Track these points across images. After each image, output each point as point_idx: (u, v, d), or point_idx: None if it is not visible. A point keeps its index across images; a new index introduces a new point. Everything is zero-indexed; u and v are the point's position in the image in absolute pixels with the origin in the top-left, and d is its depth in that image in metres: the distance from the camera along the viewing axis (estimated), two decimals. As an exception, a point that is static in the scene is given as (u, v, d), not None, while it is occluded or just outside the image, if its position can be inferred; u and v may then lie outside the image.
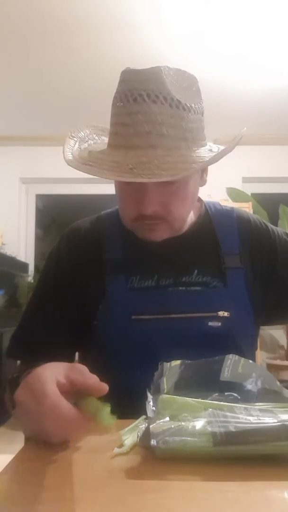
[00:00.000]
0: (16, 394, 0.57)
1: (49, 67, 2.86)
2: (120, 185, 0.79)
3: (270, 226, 0.94)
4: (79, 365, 0.59)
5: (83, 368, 0.58)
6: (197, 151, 0.74)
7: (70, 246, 0.91)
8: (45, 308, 0.88)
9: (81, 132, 0.84)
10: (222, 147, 0.77)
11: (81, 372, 0.57)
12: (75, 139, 0.82)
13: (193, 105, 0.73)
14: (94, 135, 0.86)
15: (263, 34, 2.51)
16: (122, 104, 0.72)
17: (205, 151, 0.75)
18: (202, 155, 0.73)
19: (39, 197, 4.15)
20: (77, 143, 0.81)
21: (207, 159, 0.72)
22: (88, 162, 0.73)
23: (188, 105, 0.72)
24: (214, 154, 0.73)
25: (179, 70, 0.76)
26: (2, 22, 2.41)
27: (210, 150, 0.77)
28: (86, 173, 0.71)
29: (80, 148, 0.80)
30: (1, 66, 2.85)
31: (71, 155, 0.77)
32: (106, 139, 0.83)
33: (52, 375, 0.55)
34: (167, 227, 0.80)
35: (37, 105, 3.35)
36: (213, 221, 0.91)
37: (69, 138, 0.81)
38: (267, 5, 2.27)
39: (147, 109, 0.70)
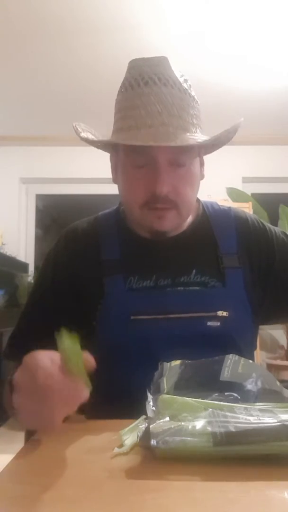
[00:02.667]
0: (14, 378, 0.56)
1: (49, 67, 2.86)
2: (129, 171, 0.80)
3: (268, 225, 0.94)
4: None
5: None
6: (202, 135, 0.77)
7: (68, 247, 0.91)
8: (42, 309, 0.88)
9: (82, 133, 0.85)
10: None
11: None
12: (82, 132, 0.84)
13: (195, 97, 0.75)
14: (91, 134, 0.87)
15: (263, 34, 2.51)
16: (131, 88, 0.75)
17: (205, 136, 0.78)
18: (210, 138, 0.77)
19: (39, 197, 4.15)
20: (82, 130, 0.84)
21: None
22: (103, 142, 0.77)
23: (193, 94, 0.76)
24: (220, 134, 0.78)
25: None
26: (2, 22, 2.42)
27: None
28: (109, 142, 0.76)
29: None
30: (1, 66, 2.85)
31: (88, 135, 0.81)
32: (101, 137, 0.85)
33: (46, 353, 0.56)
34: (175, 214, 0.81)
35: (37, 105, 3.35)
36: (211, 221, 0.91)
37: (78, 129, 0.83)
38: (267, 5, 2.27)
39: (158, 91, 0.73)
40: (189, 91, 0.77)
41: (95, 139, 0.83)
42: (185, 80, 0.78)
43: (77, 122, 0.84)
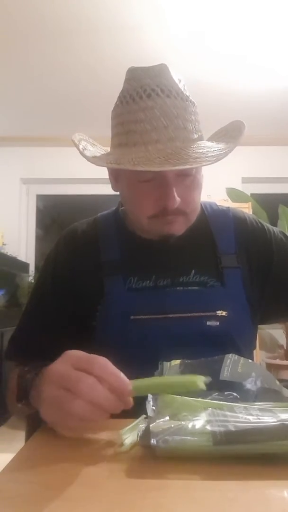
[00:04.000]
0: (48, 368, 0.56)
1: (49, 68, 2.86)
2: (136, 185, 0.79)
3: (266, 225, 0.94)
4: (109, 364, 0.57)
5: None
6: (206, 142, 0.76)
7: (68, 248, 0.91)
8: (43, 310, 0.88)
9: (81, 142, 0.83)
10: (220, 144, 0.78)
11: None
12: (80, 145, 0.82)
13: (193, 100, 0.75)
14: (88, 144, 0.86)
15: (263, 34, 2.52)
16: (133, 101, 0.73)
17: (210, 142, 0.77)
18: (215, 145, 0.75)
19: (40, 197, 4.15)
20: (83, 149, 0.81)
21: (221, 146, 0.74)
22: (110, 161, 0.74)
23: (192, 99, 0.75)
24: (227, 143, 0.76)
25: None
26: (2, 23, 2.42)
27: (211, 141, 0.79)
28: (126, 168, 0.71)
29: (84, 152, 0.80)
30: (1, 67, 2.85)
31: (90, 155, 0.78)
32: (99, 148, 0.83)
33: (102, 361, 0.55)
34: (184, 219, 0.81)
35: (38, 105, 3.35)
36: (210, 221, 0.91)
37: (76, 142, 0.81)
38: (267, 5, 2.27)
39: (162, 104, 0.72)
40: (189, 97, 0.75)
41: (98, 154, 0.81)
42: (179, 80, 0.76)
43: (73, 135, 0.81)
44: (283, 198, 3.77)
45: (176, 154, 0.69)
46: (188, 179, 0.78)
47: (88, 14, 2.35)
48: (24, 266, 3.69)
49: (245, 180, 3.91)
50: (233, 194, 3.56)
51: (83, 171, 3.78)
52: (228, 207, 0.96)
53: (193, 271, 0.84)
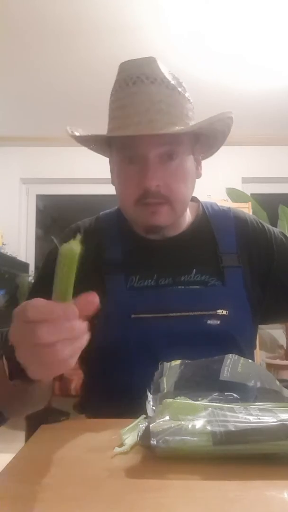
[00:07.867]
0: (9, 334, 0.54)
1: (49, 67, 2.86)
2: (122, 168, 0.81)
3: (267, 225, 0.95)
4: None
5: None
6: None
7: None
8: None
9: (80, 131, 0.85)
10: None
11: None
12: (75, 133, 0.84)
13: (185, 94, 0.77)
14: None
15: (263, 34, 2.51)
16: (120, 89, 0.77)
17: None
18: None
19: (40, 197, 4.15)
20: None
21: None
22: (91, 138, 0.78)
23: (182, 92, 0.77)
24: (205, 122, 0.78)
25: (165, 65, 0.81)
26: (3, 23, 2.42)
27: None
28: (97, 135, 0.78)
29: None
30: (1, 67, 2.85)
31: (76, 133, 0.82)
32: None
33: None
34: (169, 209, 0.81)
35: (38, 105, 3.35)
36: (211, 221, 0.91)
37: (70, 133, 0.84)
38: (267, 5, 2.27)
39: (146, 89, 0.75)
40: (179, 88, 0.78)
41: (82, 134, 0.84)
42: (175, 78, 0.79)
43: (74, 127, 0.84)
44: (283, 198, 3.76)
45: (150, 129, 0.73)
46: (172, 164, 0.78)
47: (87, 13, 2.35)
48: (24, 266, 3.69)
49: (245, 180, 3.91)
50: (233, 194, 3.56)
51: (83, 171, 3.80)
52: (229, 208, 0.97)
53: (194, 270, 0.84)
